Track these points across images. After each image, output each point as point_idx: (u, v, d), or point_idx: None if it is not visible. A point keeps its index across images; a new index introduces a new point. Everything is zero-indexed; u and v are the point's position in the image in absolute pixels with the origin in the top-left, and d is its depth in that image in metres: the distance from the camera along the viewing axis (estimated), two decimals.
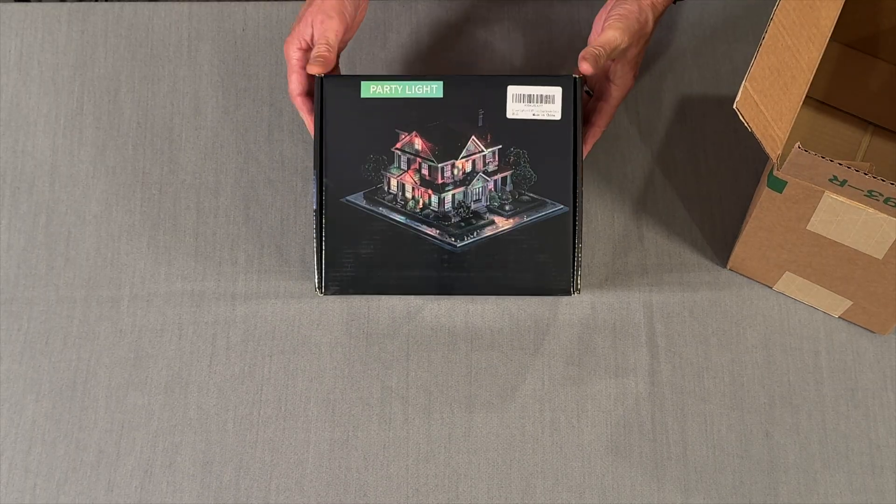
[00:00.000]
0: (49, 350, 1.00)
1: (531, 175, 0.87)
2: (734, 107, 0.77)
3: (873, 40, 1.05)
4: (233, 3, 1.14)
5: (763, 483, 0.93)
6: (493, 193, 0.87)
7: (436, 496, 0.94)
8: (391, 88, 0.89)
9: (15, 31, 1.13)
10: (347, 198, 0.87)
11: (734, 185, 1.05)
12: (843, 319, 0.99)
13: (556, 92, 0.88)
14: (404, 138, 0.88)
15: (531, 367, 0.98)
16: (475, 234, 0.87)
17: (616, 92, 0.94)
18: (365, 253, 0.87)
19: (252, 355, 0.99)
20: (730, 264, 1.01)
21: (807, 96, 0.86)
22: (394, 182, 0.88)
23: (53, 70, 1.11)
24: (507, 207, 0.87)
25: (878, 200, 0.79)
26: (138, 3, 1.14)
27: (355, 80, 0.89)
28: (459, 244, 0.86)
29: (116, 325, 1.01)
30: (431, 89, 0.88)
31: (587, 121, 0.95)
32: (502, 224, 0.87)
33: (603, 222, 1.04)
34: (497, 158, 0.88)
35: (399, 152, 0.88)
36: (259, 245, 1.04)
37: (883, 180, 0.75)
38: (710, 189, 1.05)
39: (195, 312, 1.01)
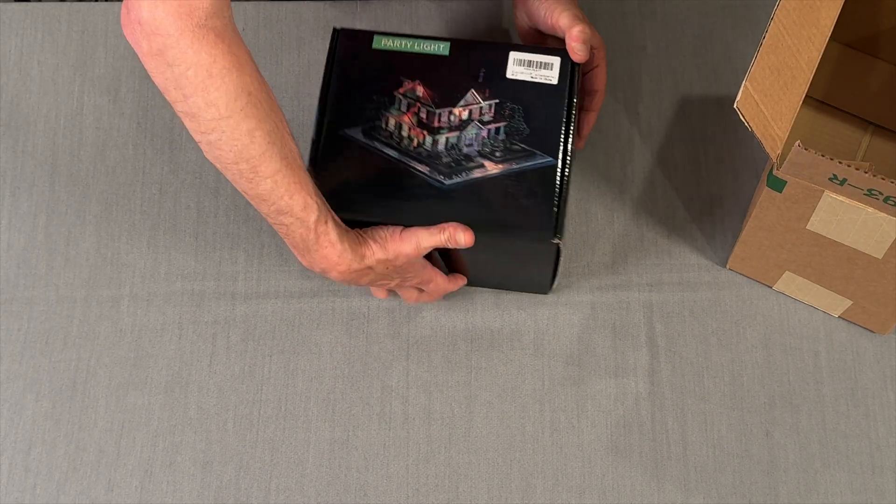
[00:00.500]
0: (49, 350, 1.00)
1: (524, 128, 0.90)
2: (735, 106, 0.77)
3: (873, 40, 1.05)
4: (232, 4, 1.14)
5: (763, 483, 0.93)
6: (486, 140, 0.90)
7: (436, 496, 0.94)
8: (401, 44, 0.93)
9: (15, 31, 1.13)
10: (346, 130, 0.91)
11: (734, 185, 1.05)
12: (843, 319, 0.99)
13: (556, 61, 0.92)
14: (407, 85, 0.92)
15: (531, 367, 0.98)
16: (464, 174, 0.89)
17: (599, 54, 0.96)
18: (355, 180, 0.90)
19: (252, 355, 0.99)
20: (730, 264, 1.01)
21: (807, 96, 0.86)
22: (392, 121, 0.91)
23: (53, 70, 1.11)
24: (497, 154, 0.90)
25: (877, 199, 0.79)
26: None
27: (369, 34, 0.94)
28: (447, 182, 0.89)
29: (116, 324, 1.01)
30: (439, 48, 0.93)
31: (589, 90, 0.98)
32: (491, 168, 0.89)
33: (603, 222, 1.04)
34: (493, 111, 0.91)
35: (400, 96, 0.92)
36: (259, 245, 1.04)
37: (883, 178, 0.75)
38: (710, 189, 1.05)
39: (195, 312, 1.01)
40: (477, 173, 0.89)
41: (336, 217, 0.85)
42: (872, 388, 0.96)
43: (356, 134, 0.91)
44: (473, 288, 1.01)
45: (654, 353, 0.98)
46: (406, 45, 0.93)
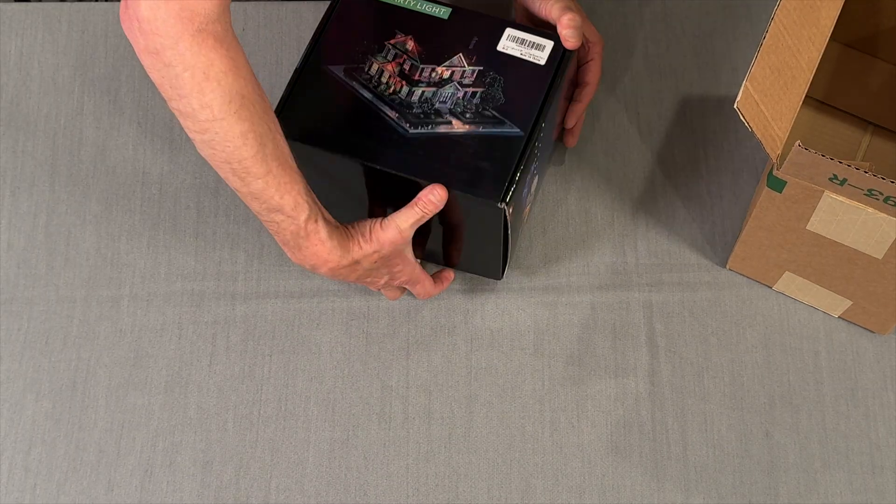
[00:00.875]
0: (49, 350, 1.00)
1: (500, 97, 0.92)
2: (735, 106, 0.77)
3: (873, 40, 1.05)
4: (233, 3, 1.14)
5: (763, 483, 0.93)
6: (460, 101, 0.92)
7: (436, 496, 0.94)
8: (405, 1, 0.96)
9: (15, 31, 1.13)
10: (329, 66, 0.93)
11: (734, 185, 1.05)
12: (843, 319, 0.99)
13: (548, 44, 0.94)
14: (399, 37, 0.94)
15: (531, 367, 0.98)
16: (430, 126, 0.91)
17: (595, 48, 0.97)
18: (323, 114, 0.91)
19: (252, 355, 0.99)
20: (730, 264, 1.01)
21: (807, 96, 0.86)
22: (375, 66, 0.93)
23: (53, 70, 1.11)
24: (467, 115, 0.91)
25: (877, 200, 0.79)
26: None
27: None
28: (412, 131, 0.90)
29: (116, 324, 1.01)
30: (439, 11, 0.95)
31: (580, 82, 1.00)
32: (458, 127, 0.91)
33: (603, 222, 1.04)
34: (474, 76, 0.93)
35: (390, 46, 0.94)
36: (259, 245, 1.04)
37: (883, 178, 0.75)
38: (710, 189, 1.05)
39: (195, 312, 1.01)
40: (442, 129, 0.90)
41: (326, 214, 0.86)
42: (872, 388, 0.96)
43: (337, 71, 0.93)
44: (474, 288, 1.01)
45: (654, 353, 0.98)
46: (408, 2, 0.95)
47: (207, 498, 0.94)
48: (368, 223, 0.88)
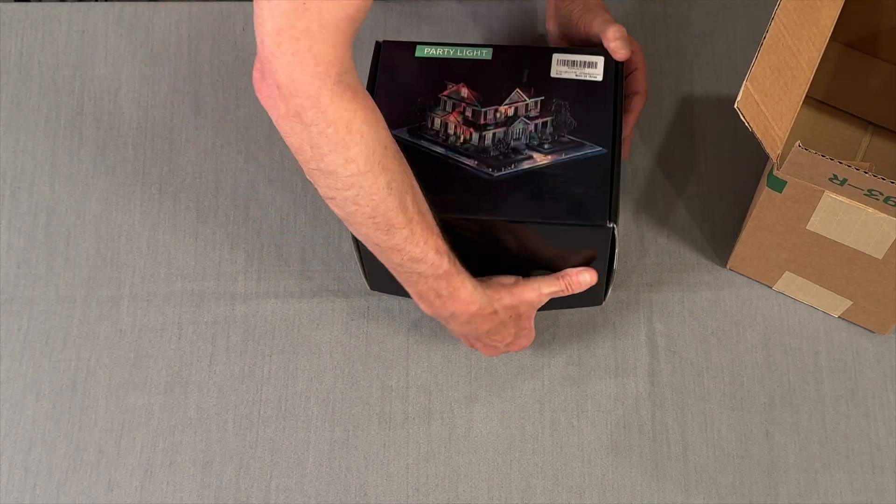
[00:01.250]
0: (49, 350, 1.00)
1: (571, 121, 0.90)
2: (735, 106, 0.77)
3: (873, 40, 1.05)
4: (233, 3, 1.14)
5: (763, 483, 0.93)
6: (533, 134, 0.90)
7: (436, 496, 0.94)
8: (444, 51, 0.95)
9: (15, 31, 1.13)
10: (393, 131, 0.89)
11: (734, 185, 1.05)
12: (843, 319, 0.99)
13: (599, 60, 0.93)
14: (452, 87, 0.93)
15: (531, 367, 0.98)
16: (513, 166, 0.89)
17: (638, 57, 0.96)
18: None
19: (252, 355, 0.99)
20: (730, 264, 1.01)
21: (807, 96, 0.86)
22: (438, 121, 0.92)
23: (53, 70, 1.11)
24: (546, 146, 0.90)
25: (877, 200, 0.79)
26: (138, 3, 1.14)
27: (411, 44, 0.95)
28: (496, 174, 0.88)
29: (116, 325, 1.01)
30: (481, 53, 0.94)
31: (629, 92, 0.98)
32: (540, 159, 0.89)
33: None
34: (539, 107, 0.92)
35: (445, 98, 0.93)
36: (259, 245, 1.04)
37: (883, 178, 0.75)
38: (710, 189, 1.05)
39: (195, 312, 1.01)
40: (526, 164, 0.89)
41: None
42: (872, 388, 0.96)
43: (402, 134, 0.91)
44: None
45: (654, 353, 0.98)
46: (449, 52, 0.94)
47: (207, 498, 0.94)
48: (510, 278, 0.88)
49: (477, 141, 0.90)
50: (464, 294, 0.84)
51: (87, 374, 0.99)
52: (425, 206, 0.81)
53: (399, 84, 0.93)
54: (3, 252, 1.04)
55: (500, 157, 0.89)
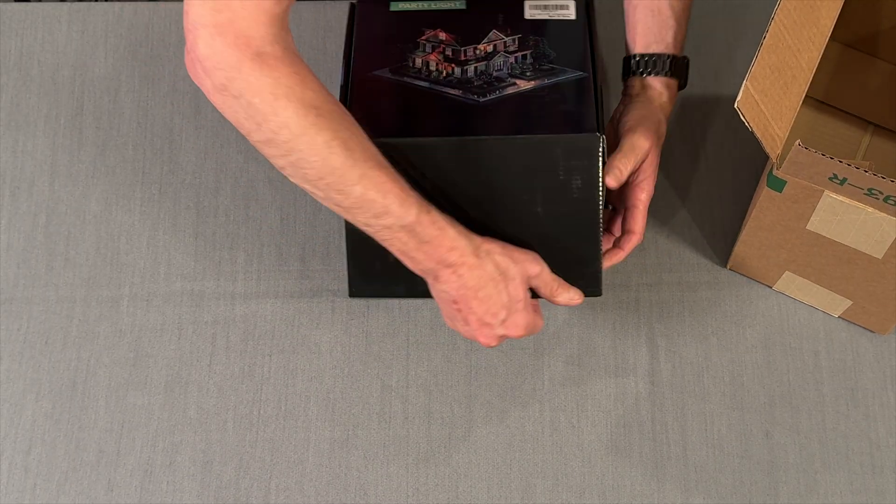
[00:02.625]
0: (49, 350, 1.00)
1: (550, 52, 0.93)
2: (735, 106, 0.77)
3: (873, 40, 1.05)
4: None
5: (763, 483, 0.93)
6: (514, 64, 0.92)
7: (436, 496, 0.94)
8: (419, 4, 0.96)
9: (15, 31, 1.13)
10: (374, 71, 0.92)
11: (734, 185, 1.05)
12: (843, 319, 0.99)
13: (570, 2, 0.95)
14: (429, 33, 0.95)
15: (531, 367, 0.98)
16: (497, 92, 0.90)
17: (644, 195, 0.92)
18: (388, 111, 0.90)
19: (252, 355, 0.99)
20: (730, 264, 1.01)
21: (807, 96, 0.86)
22: (419, 60, 0.93)
23: (53, 70, 1.11)
24: (528, 73, 0.91)
25: (877, 199, 0.79)
26: (138, 3, 1.14)
27: (385, 1, 0.97)
28: (482, 99, 0.90)
29: (116, 324, 1.01)
30: (456, 4, 0.96)
31: (623, 230, 0.93)
32: (524, 85, 0.91)
33: None
34: (517, 43, 0.94)
35: (424, 42, 0.94)
36: (259, 245, 1.04)
37: (883, 177, 0.75)
38: (710, 189, 1.05)
39: (195, 312, 1.01)
40: (510, 90, 0.90)
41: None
42: (872, 388, 0.96)
43: (384, 73, 0.92)
44: None
45: (654, 353, 0.98)
46: (423, 5, 0.96)
47: (207, 498, 0.94)
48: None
49: (459, 73, 0.92)
50: (445, 240, 0.81)
51: (86, 374, 0.99)
52: (379, 158, 0.79)
53: (376, 36, 0.95)
54: (3, 252, 1.04)
55: (484, 86, 0.91)
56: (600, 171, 0.87)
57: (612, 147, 0.91)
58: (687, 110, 1.08)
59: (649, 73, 0.93)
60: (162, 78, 1.11)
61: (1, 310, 1.01)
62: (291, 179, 0.79)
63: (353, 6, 0.97)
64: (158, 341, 1.00)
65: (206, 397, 0.98)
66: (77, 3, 1.15)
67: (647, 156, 0.89)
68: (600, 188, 0.87)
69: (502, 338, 0.87)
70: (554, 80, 0.90)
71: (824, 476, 0.94)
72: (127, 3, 1.14)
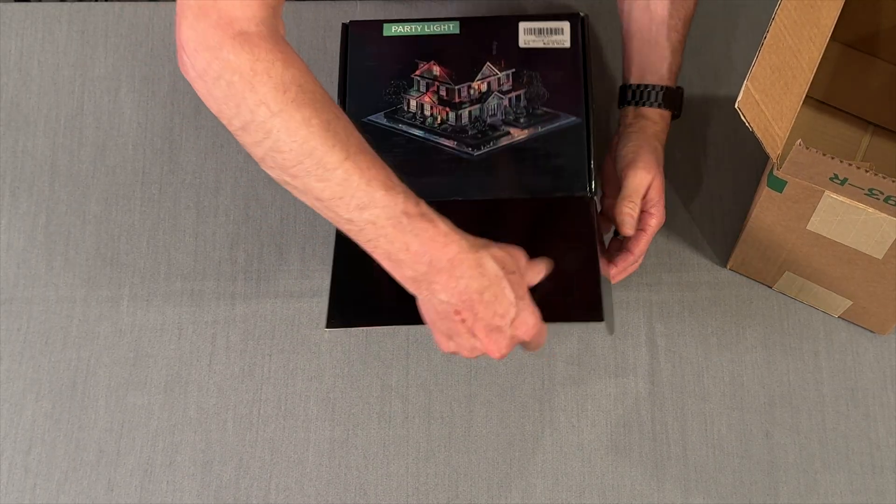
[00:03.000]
0: (49, 350, 1.00)
1: (544, 92, 0.93)
2: (736, 106, 0.77)
3: (873, 40, 1.05)
4: None
5: (763, 483, 0.93)
6: (508, 108, 0.93)
7: (436, 495, 0.94)
8: (411, 28, 0.96)
9: (15, 31, 1.13)
10: (369, 117, 0.93)
11: (734, 185, 1.05)
12: (843, 319, 0.99)
13: (565, 25, 0.95)
14: (423, 66, 0.95)
15: (531, 367, 0.98)
16: (491, 143, 0.91)
17: (654, 221, 0.91)
18: (385, 161, 0.89)
19: (251, 355, 0.99)
20: (730, 264, 1.01)
21: (807, 96, 0.86)
22: (413, 102, 0.94)
23: (53, 70, 1.11)
24: (521, 120, 0.92)
25: (878, 199, 0.79)
26: (138, 3, 1.14)
27: (378, 23, 0.97)
28: (476, 153, 0.91)
29: (116, 324, 1.01)
30: (448, 28, 0.96)
31: (622, 249, 0.93)
32: (518, 134, 0.91)
33: None
34: (511, 80, 0.94)
35: (418, 78, 0.94)
36: (259, 244, 1.04)
37: (884, 177, 0.75)
38: (710, 189, 1.05)
39: (195, 312, 1.01)
40: (504, 141, 0.91)
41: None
42: (872, 389, 0.96)
43: (379, 119, 0.93)
44: None
45: (654, 352, 0.98)
46: (416, 28, 0.96)
47: (207, 498, 0.94)
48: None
49: (454, 120, 0.92)
50: (437, 234, 0.74)
51: (86, 374, 0.99)
52: (364, 145, 0.74)
53: (370, 65, 0.95)
54: (3, 252, 1.04)
55: (479, 136, 0.92)
56: (595, 227, 0.89)
57: (612, 178, 0.92)
58: (687, 110, 1.08)
59: (643, 104, 0.93)
60: (162, 78, 1.11)
61: (1, 310, 1.01)
62: (271, 174, 0.74)
63: (345, 27, 0.97)
64: (158, 341, 1.00)
65: (205, 397, 0.98)
66: (77, 3, 1.15)
67: (650, 185, 0.90)
68: (596, 245, 0.88)
69: (513, 342, 0.79)
70: (547, 128, 0.91)
71: (824, 476, 0.94)
72: (127, 3, 1.14)
